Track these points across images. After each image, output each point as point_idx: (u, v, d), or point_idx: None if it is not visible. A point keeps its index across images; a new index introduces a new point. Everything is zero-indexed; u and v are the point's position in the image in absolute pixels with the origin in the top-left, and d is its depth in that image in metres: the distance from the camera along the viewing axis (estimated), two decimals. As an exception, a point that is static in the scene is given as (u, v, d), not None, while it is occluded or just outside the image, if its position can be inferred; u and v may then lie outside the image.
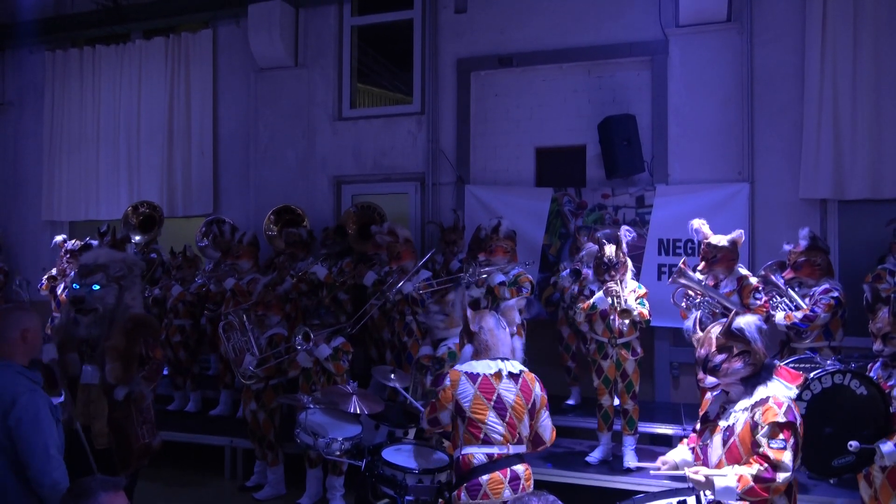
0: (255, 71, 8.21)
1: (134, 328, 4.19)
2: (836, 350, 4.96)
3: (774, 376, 2.87)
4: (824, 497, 4.66)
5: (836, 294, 4.93)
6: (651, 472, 3.33)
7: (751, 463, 2.73)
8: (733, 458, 2.81)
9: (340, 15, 8.08)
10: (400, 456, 3.98)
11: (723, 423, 2.90)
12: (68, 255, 7.80)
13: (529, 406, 3.48)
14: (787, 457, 2.69)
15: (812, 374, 3.61)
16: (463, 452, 3.41)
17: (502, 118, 7.40)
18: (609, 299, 5.09)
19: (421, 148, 7.63)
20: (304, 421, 4.33)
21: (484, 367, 3.48)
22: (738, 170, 6.50)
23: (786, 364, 3.33)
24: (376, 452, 4.00)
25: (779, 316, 5.03)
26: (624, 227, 5.44)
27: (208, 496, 5.84)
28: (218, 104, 8.53)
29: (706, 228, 5.24)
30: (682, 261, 5.21)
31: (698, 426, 3.14)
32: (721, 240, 5.13)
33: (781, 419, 2.71)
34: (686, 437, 3.36)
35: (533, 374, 3.60)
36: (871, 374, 3.74)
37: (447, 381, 3.49)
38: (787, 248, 5.20)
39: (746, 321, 2.91)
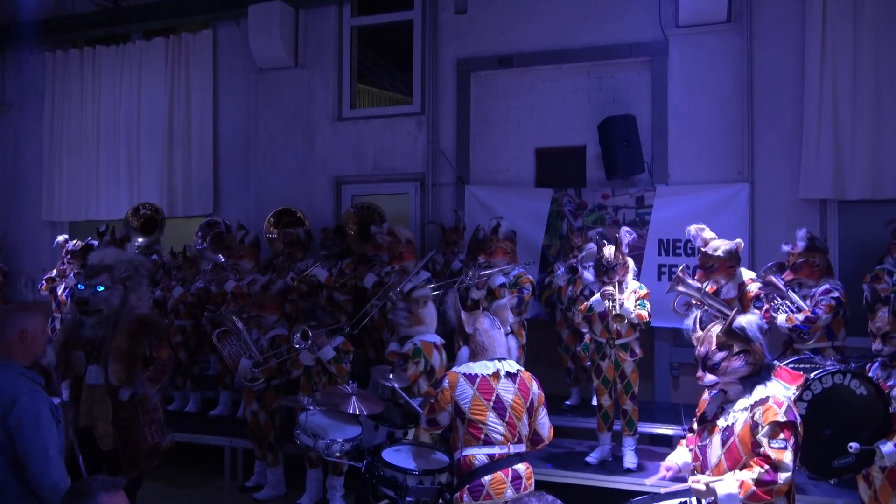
0: (255, 71, 8.21)
1: (138, 329, 4.18)
2: (838, 350, 4.91)
3: (773, 377, 2.86)
4: (824, 497, 4.65)
5: (836, 294, 4.89)
6: (646, 482, 3.30)
7: (751, 466, 2.71)
8: (733, 458, 2.80)
9: (340, 15, 8.09)
10: (400, 457, 3.96)
11: (721, 423, 2.89)
12: (69, 256, 7.80)
13: (528, 405, 3.48)
14: (787, 457, 2.68)
15: (812, 375, 3.61)
16: (464, 454, 3.41)
17: (502, 119, 7.40)
18: (606, 302, 5.09)
19: (421, 148, 7.64)
20: (304, 422, 4.31)
21: (481, 367, 3.49)
22: (738, 170, 6.51)
23: (786, 364, 3.33)
24: (376, 453, 3.99)
25: (780, 318, 4.98)
26: (624, 228, 5.44)
27: (208, 496, 5.85)
28: (218, 105, 8.53)
29: (705, 233, 5.21)
30: (680, 269, 5.18)
31: (695, 426, 3.13)
32: (717, 249, 5.10)
33: (782, 419, 2.70)
34: (684, 437, 3.35)
35: (529, 373, 3.60)
36: (871, 374, 3.74)
37: (445, 383, 3.49)
38: (785, 249, 5.15)
39: (747, 320, 2.89)
